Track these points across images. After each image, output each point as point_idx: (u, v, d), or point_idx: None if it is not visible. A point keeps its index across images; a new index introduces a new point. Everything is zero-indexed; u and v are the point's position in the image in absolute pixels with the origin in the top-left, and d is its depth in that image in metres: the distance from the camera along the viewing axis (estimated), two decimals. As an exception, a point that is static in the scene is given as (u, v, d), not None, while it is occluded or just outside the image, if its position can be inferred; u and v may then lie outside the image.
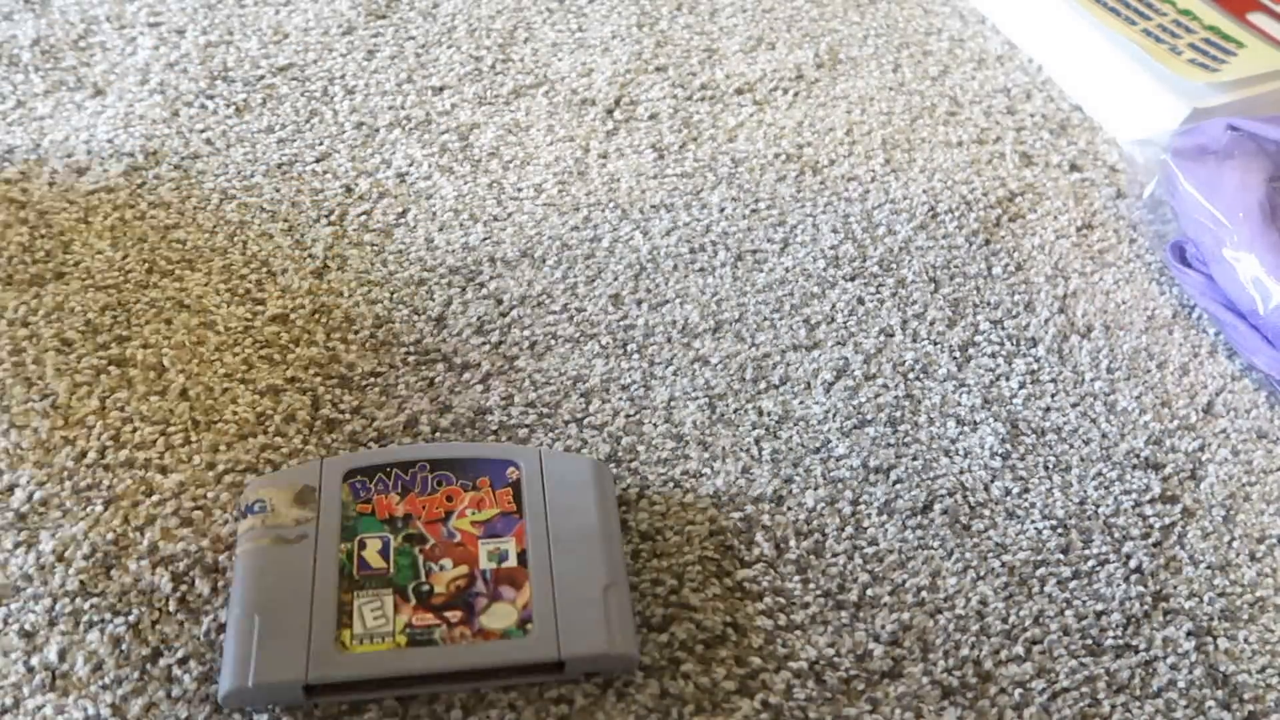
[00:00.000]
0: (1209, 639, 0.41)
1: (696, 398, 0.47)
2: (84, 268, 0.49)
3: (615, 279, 0.51)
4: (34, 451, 0.42)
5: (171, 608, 0.38)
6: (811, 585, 0.41)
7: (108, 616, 0.38)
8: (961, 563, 0.42)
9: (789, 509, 0.43)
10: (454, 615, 0.36)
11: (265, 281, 0.50)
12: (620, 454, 0.44)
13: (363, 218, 0.53)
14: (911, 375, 0.48)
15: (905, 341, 0.50)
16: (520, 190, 0.55)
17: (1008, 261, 0.54)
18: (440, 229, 0.53)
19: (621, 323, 0.49)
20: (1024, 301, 0.52)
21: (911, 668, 0.39)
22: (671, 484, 0.44)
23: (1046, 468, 0.45)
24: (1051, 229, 0.56)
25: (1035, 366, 0.49)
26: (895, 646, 0.39)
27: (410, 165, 0.56)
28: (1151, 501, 0.45)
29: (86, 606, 0.38)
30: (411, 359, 0.47)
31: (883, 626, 0.40)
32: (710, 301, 0.51)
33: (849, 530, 0.43)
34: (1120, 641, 0.40)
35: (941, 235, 0.55)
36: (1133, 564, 0.43)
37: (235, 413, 0.44)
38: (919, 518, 0.43)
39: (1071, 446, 0.46)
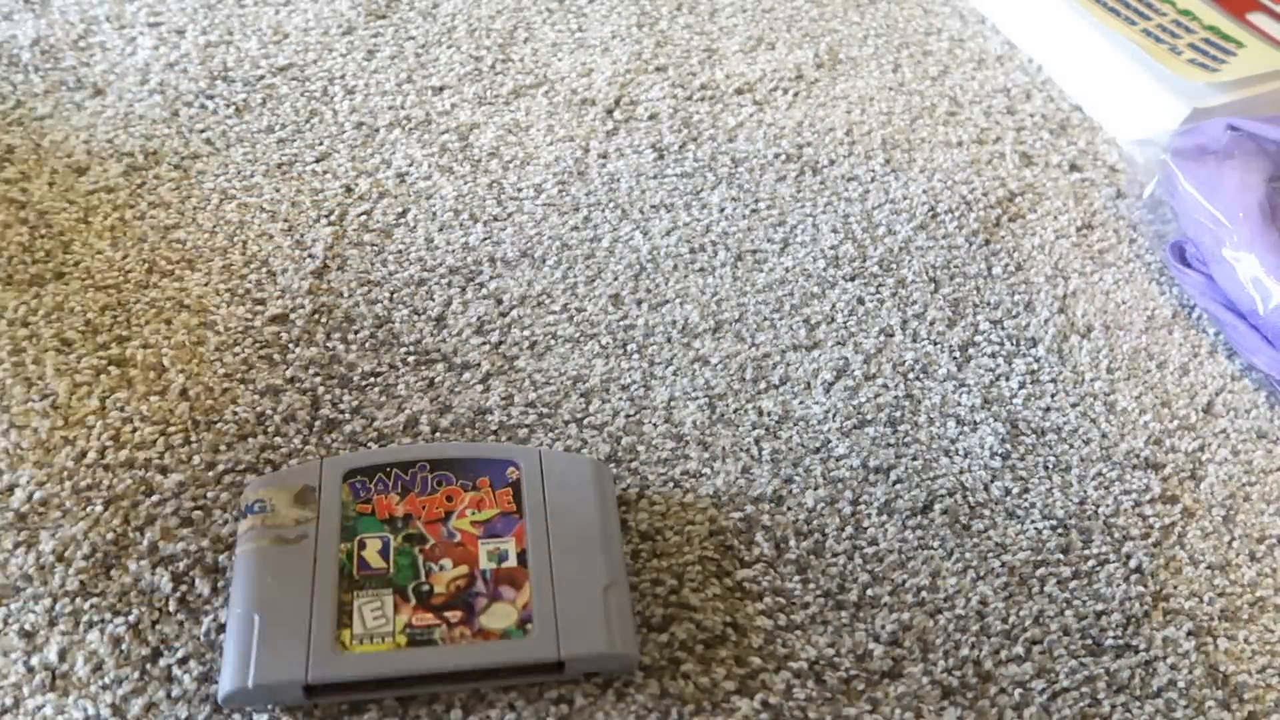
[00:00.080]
0: (1209, 639, 0.41)
1: (696, 398, 0.47)
2: (84, 268, 0.49)
3: (615, 279, 0.51)
4: (34, 451, 0.42)
5: (171, 608, 0.38)
6: (811, 585, 0.41)
7: (108, 616, 0.38)
8: (961, 563, 0.42)
9: (789, 509, 0.43)
10: (454, 615, 0.36)
11: (265, 281, 0.50)
12: (620, 454, 0.44)
13: (363, 218, 0.53)
14: (911, 375, 0.48)
15: (905, 341, 0.50)
16: (520, 190, 0.55)
17: (1008, 261, 0.54)
18: (440, 229, 0.53)
19: (621, 323, 0.49)
20: (1024, 301, 0.52)
21: (911, 668, 0.39)
22: (671, 484, 0.44)
23: (1046, 468, 0.45)
24: (1051, 229, 0.56)
25: (1035, 366, 0.49)
26: (895, 646, 0.39)
27: (410, 165, 0.56)
28: (1151, 501, 0.45)
29: (86, 606, 0.38)
30: (411, 359, 0.47)
31: (883, 626, 0.40)
32: (710, 301, 0.51)
33: (849, 530, 0.43)
34: (1120, 641, 0.40)
35: (941, 235, 0.55)
36: (1133, 564, 0.43)
37: (235, 413, 0.44)
38: (919, 518, 0.43)
39: (1071, 446, 0.46)
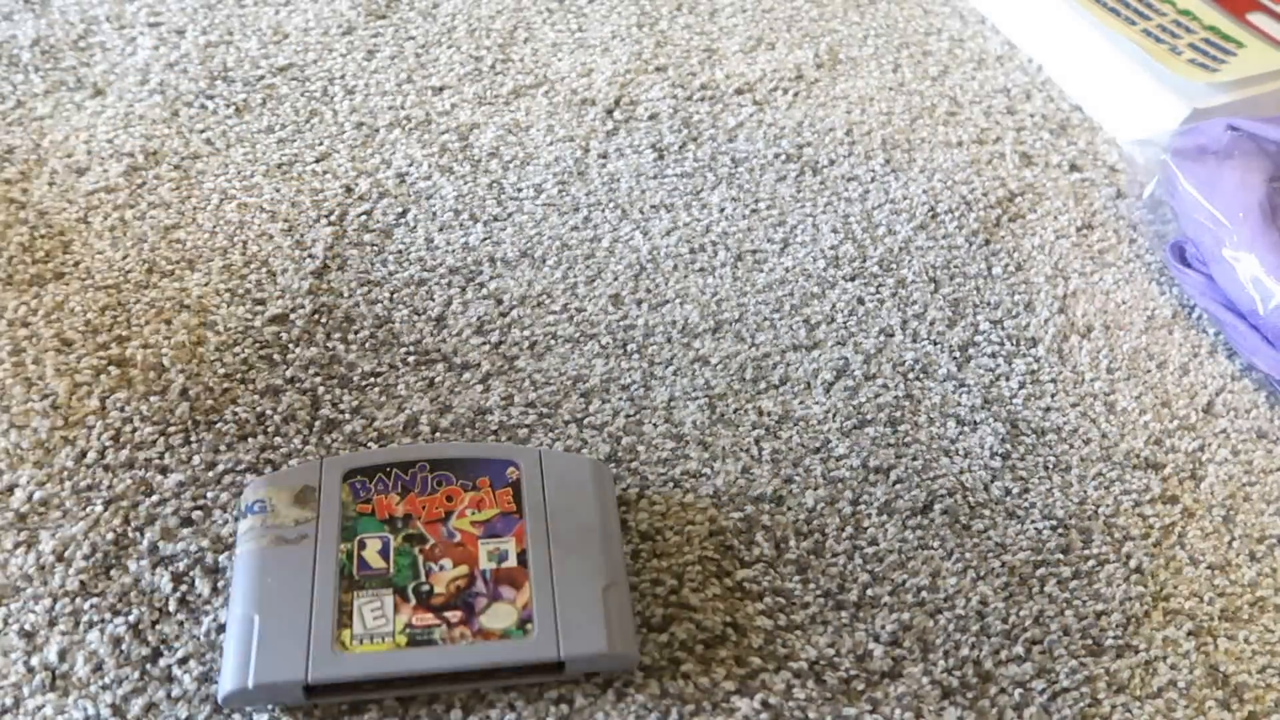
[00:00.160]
0: (1209, 639, 0.41)
1: (696, 398, 0.47)
2: (84, 268, 0.49)
3: (615, 279, 0.51)
4: (34, 451, 0.42)
5: (171, 608, 0.38)
6: (811, 585, 0.41)
7: (108, 616, 0.38)
8: (961, 563, 0.42)
9: (789, 509, 0.43)
10: (454, 615, 0.36)
11: (265, 281, 0.50)
12: (620, 454, 0.44)
13: (363, 218, 0.53)
14: (911, 375, 0.48)
15: (905, 341, 0.50)
16: (520, 190, 0.55)
17: (1008, 261, 0.54)
18: (440, 229, 0.53)
19: (621, 323, 0.49)
20: (1024, 301, 0.52)
21: (911, 668, 0.39)
22: (671, 484, 0.44)
23: (1046, 468, 0.45)
24: (1051, 229, 0.56)
25: (1035, 366, 0.49)
26: (895, 646, 0.39)
27: (410, 165, 0.56)
28: (1151, 501, 0.45)
29: (86, 606, 0.38)
30: (411, 359, 0.47)
31: (883, 626, 0.40)
32: (710, 301, 0.51)
33: (849, 530, 0.43)
34: (1120, 641, 0.40)
35: (941, 235, 0.55)
36: (1133, 564, 0.43)
37: (235, 413, 0.44)
38: (919, 518, 0.43)
39: (1071, 446, 0.46)
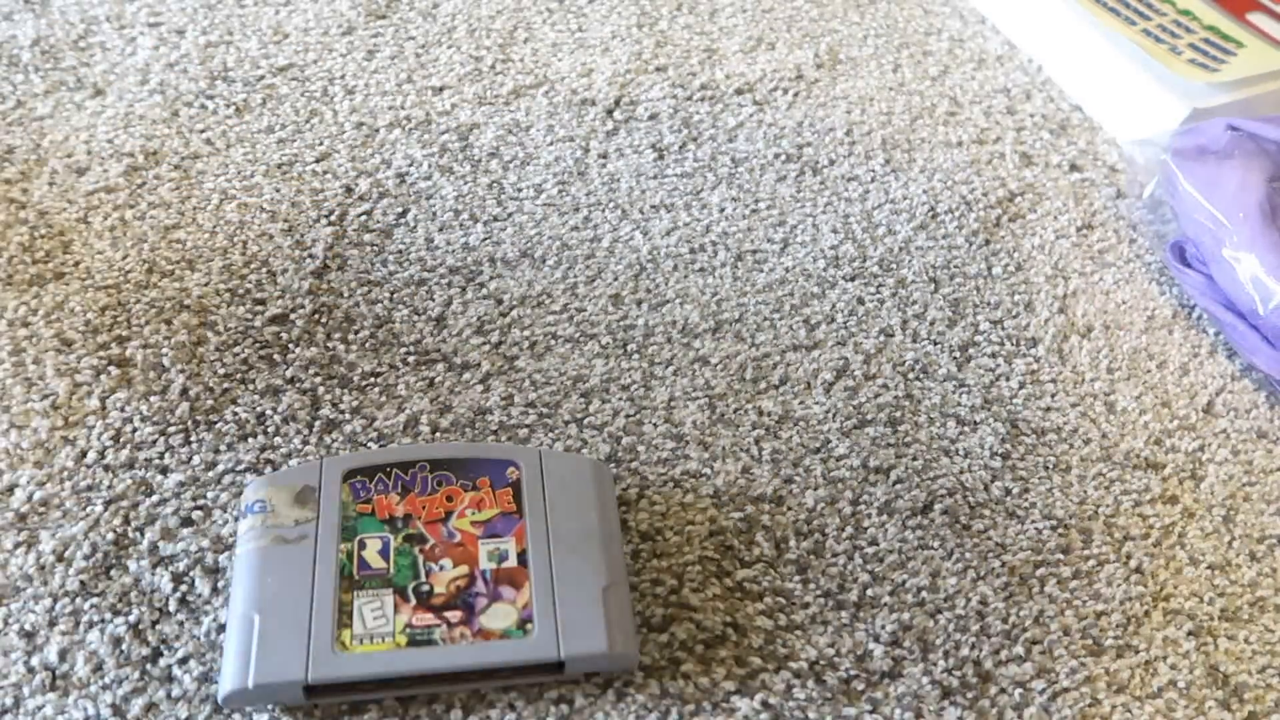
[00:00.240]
0: (1209, 639, 0.41)
1: (696, 398, 0.47)
2: (84, 268, 0.49)
3: (615, 279, 0.51)
4: (34, 451, 0.42)
5: (171, 608, 0.38)
6: (811, 585, 0.41)
7: (108, 616, 0.38)
8: (961, 563, 0.42)
9: (789, 509, 0.43)
10: (454, 615, 0.36)
11: (265, 281, 0.50)
12: (620, 454, 0.44)
13: (363, 218, 0.53)
14: (911, 375, 0.48)
15: (905, 341, 0.50)
16: (520, 190, 0.55)
17: (1008, 261, 0.54)
18: (440, 229, 0.53)
19: (621, 323, 0.49)
20: (1024, 301, 0.52)
21: (911, 668, 0.39)
22: (671, 484, 0.44)
23: (1046, 468, 0.45)
24: (1051, 229, 0.56)
25: (1035, 366, 0.49)
26: (895, 646, 0.39)
27: (410, 165, 0.56)
28: (1151, 501, 0.45)
29: (86, 606, 0.38)
30: (411, 359, 0.47)
31: (883, 626, 0.40)
32: (710, 301, 0.51)
33: (849, 530, 0.43)
34: (1120, 641, 0.40)
35: (941, 235, 0.55)
36: (1133, 564, 0.43)
37: (235, 413, 0.44)
38: (919, 518, 0.43)
39: (1071, 446, 0.46)
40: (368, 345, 0.47)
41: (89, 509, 0.41)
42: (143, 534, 0.40)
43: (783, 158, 0.58)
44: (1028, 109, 0.63)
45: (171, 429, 0.43)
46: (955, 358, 0.49)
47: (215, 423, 0.44)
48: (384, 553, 0.38)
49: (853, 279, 0.52)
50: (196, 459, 0.43)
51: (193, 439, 0.43)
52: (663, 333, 0.49)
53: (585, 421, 0.45)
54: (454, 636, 0.35)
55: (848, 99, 0.62)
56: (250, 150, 0.56)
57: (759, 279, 0.52)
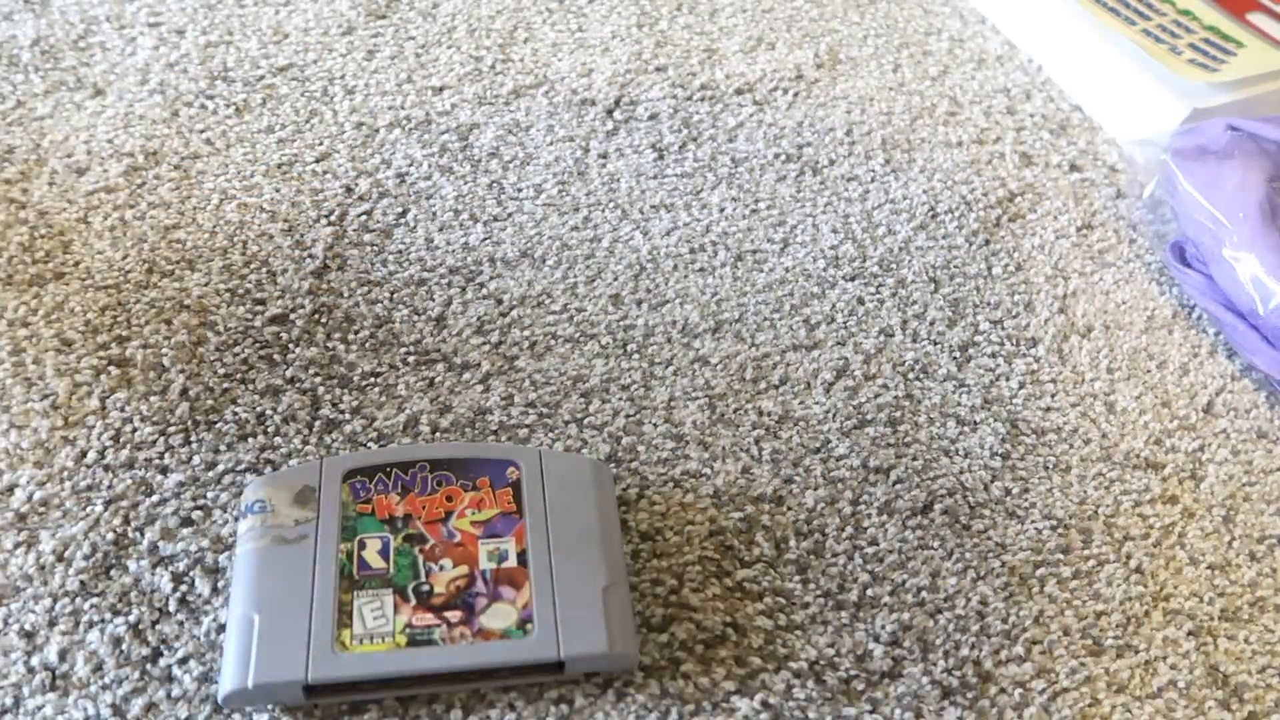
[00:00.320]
0: (1209, 639, 0.41)
1: (696, 398, 0.47)
2: (84, 268, 0.49)
3: (615, 279, 0.51)
4: (34, 451, 0.42)
5: (171, 608, 0.38)
6: (811, 585, 0.41)
7: (108, 616, 0.38)
8: (961, 563, 0.42)
9: (789, 509, 0.43)
10: (454, 615, 0.36)
11: (265, 281, 0.50)
12: (620, 454, 0.44)
13: (363, 218, 0.53)
14: (911, 375, 0.48)
15: (905, 341, 0.50)
16: (520, 190, 0.55)
17: (1008, 261, 0.54)
18: (440, 229, 0.53)
19: (621, 323, 0.49)
20: (1024, 301, 0.52)
21: (911, 668, 0.39)
22: (671, 484, 0.44)
23: (1046, 468, 0.45)
24: (1051, 229, 0.56)
25: (1035, 366, 0.49)
26: (895, 646, 0.39)
27: (410, 165, 0.56)
28: (1151, 501, 0.45)
29: (86, 606, 0.38)
30: (411, 359, 0.47)
31: (883, 626, 0.40)
32: (710, 301, 0.51)
33: (849, 530, 0.43)
34: (1120, 641, 0.40)
35: (941, 235, 0.55)
36: (1133, 564, 0.43)
37: (235, 413, 0.44)
38: (919, 518, 0.43)
39: (1071, 446, 0.46)
40: (368, 345, 0.47)
41: (89, 509, 0.41)
42: (143, 534, 0.40)
43: (783, 158, 0.58)
44: (1028, 109, 0.63)
45: (171, 429, 0.43)
46: (955, 358, 0.49)
47: (215, 423, 0.44)
48: (384, 553, 0.38)
49: (853, 279, 0.52)
50: (196, 459, 0.43)
51: (193, 439, 0.43)
52: (663, 333, 0.49)
53: (585, 421, 0.45)
54: (454, 636, 0.35)
55: (848, 99, 0.62)
56: (250, 150, 0.56)
57: (759, 279, 0.52)
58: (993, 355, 0.50)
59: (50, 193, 0.52)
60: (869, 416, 0.47)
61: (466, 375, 0.47)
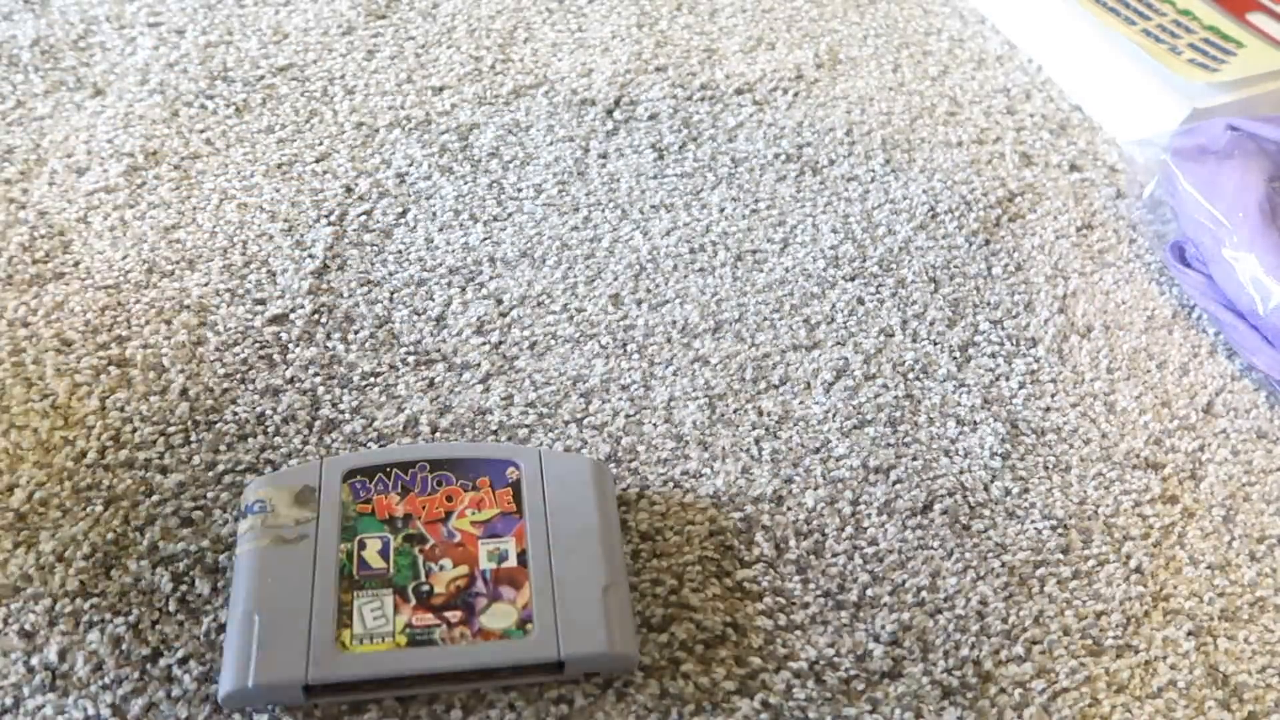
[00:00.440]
0: (1209, 639, 0.41)
1: (696, 398, 0.47)
2: (84, 268, 0.49)
3: (615, 279, 0.51)
4: (34, 451, 0.42)
5: (171, 608, 0.38)
6: (811, 585, 0.41)
7: (108, 616, 0.38)
8: (961, 563, 0.42)
9: (789, 509, 0.43)
10: (454, 615, 0.36)
11: (265, 281, 0.50)
12: (620, 454, 0.44)
13: (363, 218, 0.53)
14: (911, 375, 0.48)
15: (905, 341, 0.50)
16: (520, 190, 0.55)
17: (1008, 261, 0.54)
18: (440, 229, 0.53)
19: (621, 323, 0.49)
20: (1024, 301, 0.52)
21: (911, 668, 0.39)
22: (671, 484, 0.44)
23: (1046, 468, 0.45)
24: (1051, 229, 0.56)
25: (1035, 366, 0.49)
26: (895, 646, 0.39)
27: (410, 165, 0.56)
28: (1151, 501, 0.45)
29: (86, 606, 0.38)
30: (411, 359, 0.47)
31: (883, 626, 0.40)
32: (710, 301, 0.51)
33: (849, 530, 0.43)
34: (1120, 641, 0.40)
35: (941, 235, 0.55)
36: (1133, 564, 0.43)
37: (235, 413, 0.44)
38: (919, 518, 0.43)
39: (1071, 446, 0.46)
40: (368, 345, 0.47)
41: (89, 509, 0.41)
42: (143, 534, 0.40)
43: (783, 158, 0.58)
44: (1028, 109, 0.63)
45: (171, 429, 0.43)
46: (955, 358, 0.49)
47: (215, 423, 0.44)
48: (384, 553, 0.38)
49: (853, 279, 0.52)
50: (196, 459, 0.43)
51: (192, 439, 0.43)
52: (663, 333, 0.49)
53: (585, 421, 0.45)
54: (454, 636, 0.35)
55: (848, 99, 0.62)
56: (250, 150, 0.56)
57: (759, 279, 0.52)
58: (993, 355, 0.50)
59: (50, 193, 0.52)
60: (869, 416, 0.47)
61: (466, 375, 0.47)
